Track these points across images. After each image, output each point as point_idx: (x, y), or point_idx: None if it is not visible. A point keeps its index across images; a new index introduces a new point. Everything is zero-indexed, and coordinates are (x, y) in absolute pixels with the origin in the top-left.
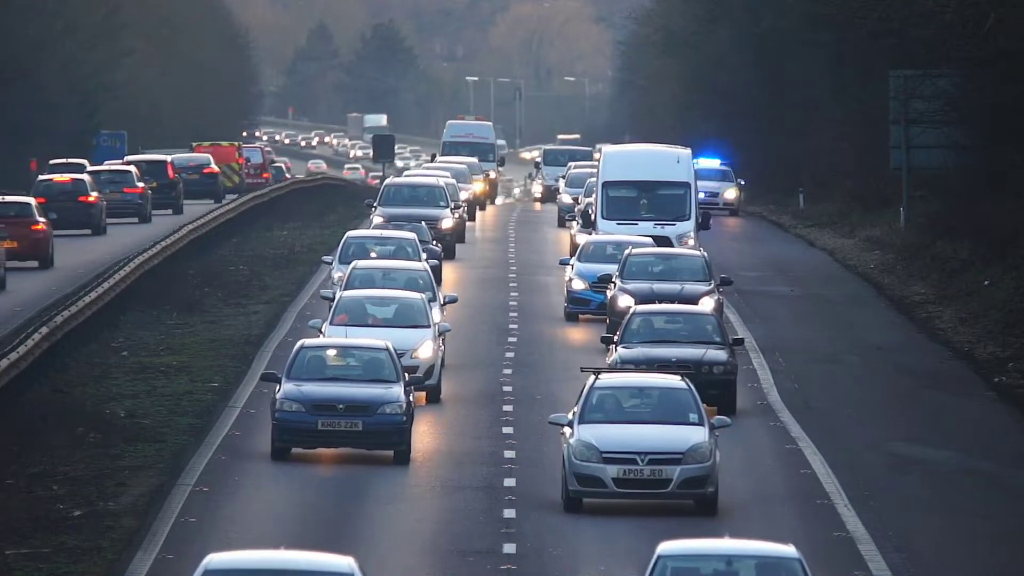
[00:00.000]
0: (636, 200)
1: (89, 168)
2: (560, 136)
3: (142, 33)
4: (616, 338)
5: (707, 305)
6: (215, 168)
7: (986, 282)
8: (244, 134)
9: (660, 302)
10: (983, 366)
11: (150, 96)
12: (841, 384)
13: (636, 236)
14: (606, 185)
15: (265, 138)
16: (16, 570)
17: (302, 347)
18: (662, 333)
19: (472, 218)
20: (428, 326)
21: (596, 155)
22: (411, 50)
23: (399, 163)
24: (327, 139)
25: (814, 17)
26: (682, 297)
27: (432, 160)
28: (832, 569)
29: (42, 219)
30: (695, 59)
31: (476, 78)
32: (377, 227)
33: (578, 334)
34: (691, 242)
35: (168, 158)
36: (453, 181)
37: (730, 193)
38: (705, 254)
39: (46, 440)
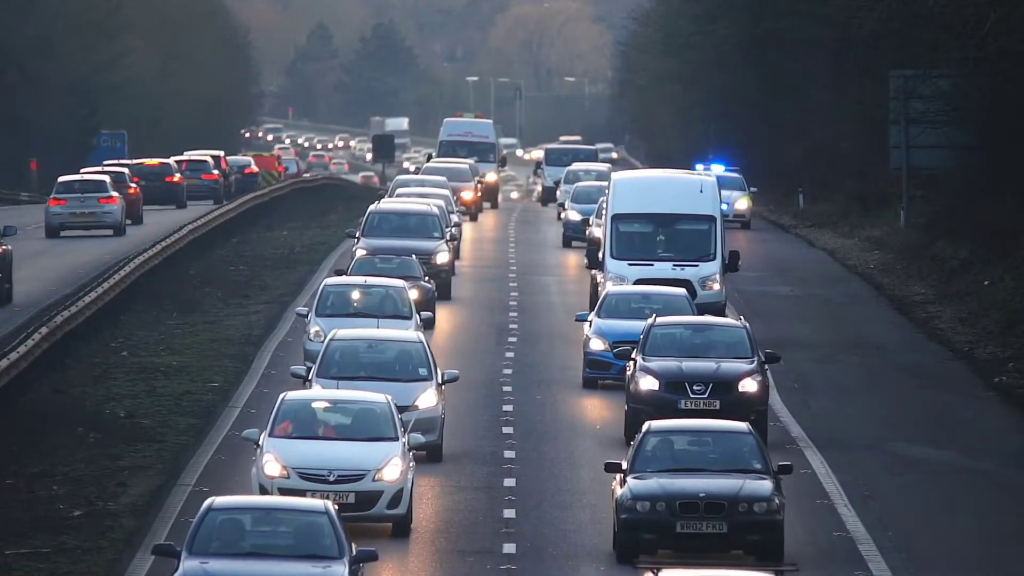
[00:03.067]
0: (652, 236)
1: (176, 158)
2: (561, 138)
3: (142, 33)
4: (626, 462)
5: (749, 387)
6: (255, 169)
7: (986, 282)
8: (245, 134)
9: (691, 383)
10: (983, 366)
11: (150, 96)
12: (841, 384)
13: (670, 287)
14: (616, 219)
15: (288, 141)
16: (16, 570)
17: (209, 509)
18: (686, 458)
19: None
20: (394, 438)
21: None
22: (411, 50)
23: (408, 165)
24: (336, 142)
25: (814, 17)
26: (717, 377)
27: (428, 161)
28: (832, 569)
29: (133, 185)
30: (695, 59)
31: (476, 78)
32: (359, 262)
33: (578, 334)
34: (716, 286)
35: (209, 157)
36: (442, 204)
37: (741, 203)
38: (747, 324)
39: (46, 440)
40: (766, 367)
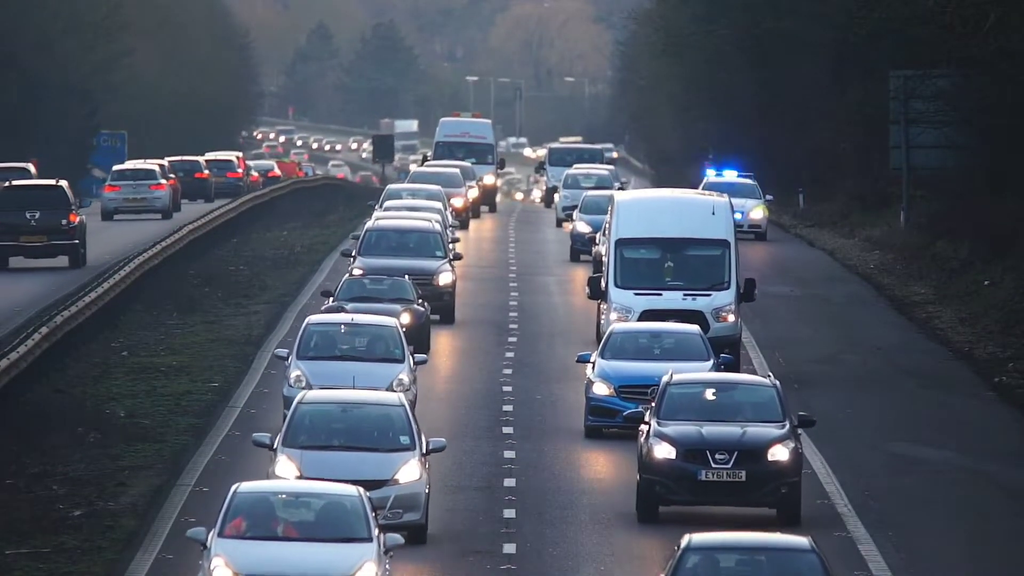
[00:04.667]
0: (659, 263)
1: (206, 157)
2: (562, 139)
3: (142, 33)
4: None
5: (779, 455)
6: (278, 172)
7: (986, 282)
8: (256, 135)
9: (713, 451)
10: (983, 366)
11: (150, 96)
12: (841, 384)
13: (681, 323)
14: (621, 244)
15: (300, 142)
16: (16, 570)
17: None
18: None
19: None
20: (367, 539)
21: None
22: (411, 50)
23: (415, 168)
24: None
25: (814, 17)
26: (743, 444)
27: (423, 163)
28: (832, 569)
29: (172, 177)
30: (695, 59)
31: (476, 78)
32: (348, 283)
33: (579, 332)
34: (731, 318)
35: (234, 157)
36: (438, 217)
37: (756, 212)
38: (777, 383)
39: (46, 440)
40: (799, 432)
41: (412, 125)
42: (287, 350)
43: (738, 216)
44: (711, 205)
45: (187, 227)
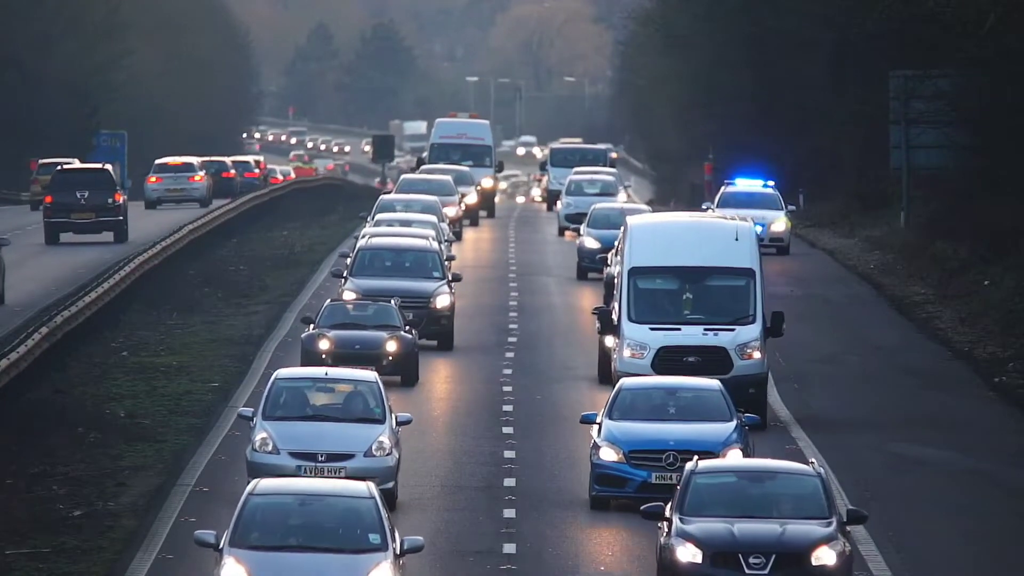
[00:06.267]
0: (677, 294)
1: (231, 159)
2: (562, 140)
3: (142, 33)
4: None
5: (826, 559)
6: (293, 176)
7: (986, 282)
8: (268, 137)
9: (747, 554)
10: (983, 366)
11: (150, 96)
12: (841, 384)
13: (700, 379)
14: (634, 273)
15: (311, 144)
16: (16, 570)
17: None
18: None
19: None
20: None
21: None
22: (411, 50)
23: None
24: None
25: (814, 17)
26: (783, 546)
27: (417, 166)
28: None
29: (202, 173)
30: (695, 59)
31: (476, 78)
32: (329, 309)
33: (579, 332)
34: (757, 355)
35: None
36: (433, 234)
37: (778, 225)
38: (821, 469)
39: (46, 440)
40: (848, 530)
41: (421, 127)
42: (251, 409)
43: (758, 229)
44: (734, 230)
45: (187, 227)
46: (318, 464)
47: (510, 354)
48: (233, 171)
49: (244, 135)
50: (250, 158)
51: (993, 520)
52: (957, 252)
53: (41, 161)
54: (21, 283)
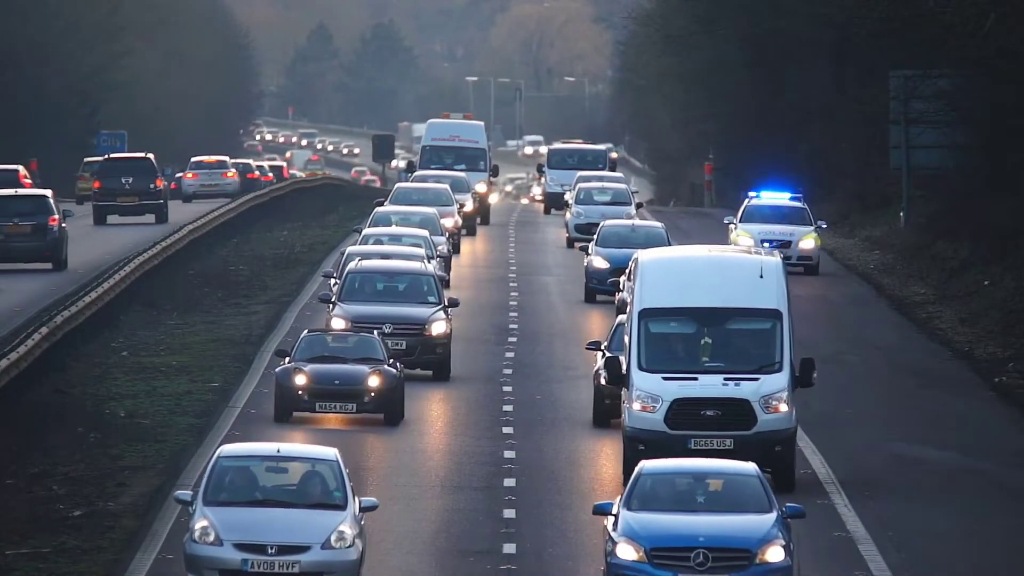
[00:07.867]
0: (694, 340)
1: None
2: (563, 141)
3: (142, 33)
4: None
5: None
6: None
7: (986, 282)
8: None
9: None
10: (983, 366)
11: (150, 96)
12: (841, 384)
13: (733, 460)
14: (646, 315)
15: (320, 145)
16: (16, 570)
17: None
18: None
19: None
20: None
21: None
22: (411, 50)
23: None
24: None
25: (814, 17)
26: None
27: (408, 170)
28: (832, 569)
29: (233, 170)
30: (695, 59)
31: (476, 78)
32: (306, 342)
33: (579, 332)
34: (783, 407)
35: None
36: (425, 252)
37: (807, 242)
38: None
39: (46, 440)
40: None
41: None
42: (190, 492)
43: (783, 247)
44: (758, 266)
45: (187, 227)
46: (268, 558)
47: (510, 354)
48: (257, 172)
49: (246, 137)
50: (265, 162)
51: (993, 520)
52: (957, 252)
53: (86, 160)
54: (77, 255)
